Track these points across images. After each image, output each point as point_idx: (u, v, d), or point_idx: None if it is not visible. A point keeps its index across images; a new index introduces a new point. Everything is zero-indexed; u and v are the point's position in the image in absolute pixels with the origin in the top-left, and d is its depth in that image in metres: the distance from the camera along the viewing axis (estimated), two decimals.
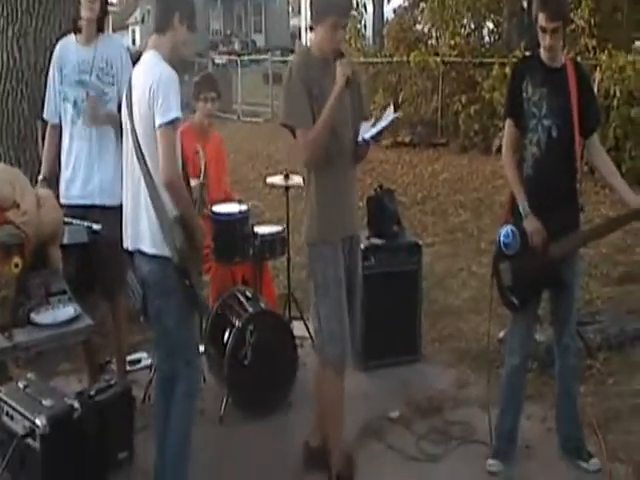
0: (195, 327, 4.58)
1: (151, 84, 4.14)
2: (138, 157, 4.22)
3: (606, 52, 13.94)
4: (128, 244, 4.40)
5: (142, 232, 4.29)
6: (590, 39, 15.09)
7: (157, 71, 4.20)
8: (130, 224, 4.38)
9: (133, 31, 66.11)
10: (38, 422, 3.82)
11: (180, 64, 4.52)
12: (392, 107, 5.02)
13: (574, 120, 4.62)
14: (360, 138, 4.65)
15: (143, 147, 4.20)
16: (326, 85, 4.47)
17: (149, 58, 4.32)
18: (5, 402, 4.03)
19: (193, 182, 5.37)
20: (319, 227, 4.62)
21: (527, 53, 6.53)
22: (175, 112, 4.12)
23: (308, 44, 4.88)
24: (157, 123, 4.11)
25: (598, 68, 13.56)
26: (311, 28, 4.66)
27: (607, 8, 17.38)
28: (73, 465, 4.07)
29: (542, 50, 4.69)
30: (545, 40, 4.60)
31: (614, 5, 18.08)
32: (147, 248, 4.28)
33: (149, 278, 4.34)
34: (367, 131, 4.65)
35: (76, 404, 4.04)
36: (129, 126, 4.28)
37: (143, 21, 63.70)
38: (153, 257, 4.26)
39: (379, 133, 4.67)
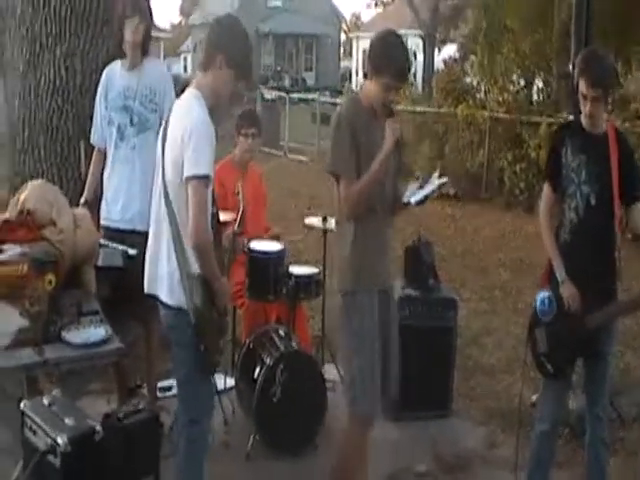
0: (208, 386, 4.43)
1: (184, 131, 4.02)
2: (166, 201, 4.11)
3: None
4: (145, 286, 4.32)
5: (159, 277, 4.20)
6: None
7: (192, 117, 4.07)
8: (150, 264, 4.30)
9: (185, 58, 67.00)
10: (59, 440, 3.81)
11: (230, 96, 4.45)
12: (439, 171, 5.05)
13: (614, 188, 4.59)
14: (406, 200, 4.69)
15: (170, 192, 4.10)
16: (372, 135, 4.51)
17: (188, 97, 4.22)
18: (29, 417, 4.02)
19: (228, 222, 5.41)
20: (356, 276, 4.61)
21: (570, 117, 6.51)
22: (205, 168, 3.98)
23: (357, 87, 4.90)
24: (185, 174, 3.98)
25: None
26: (365, 75, 4.69)
27: None
28: None
29: (582, 117, 4.67)
30: (585, 107, 4.57)
31: None
32: (164, 297, 4.19)
33: (164, 322, 4.30)
34: (414, 194, 4.69)
35: (98, 427, 4.02)
36: (161, 164, 4.20)
37: (195, 49, 64.62)
38: (169, 307, 4.17)
39: (425, 198, 4.70)
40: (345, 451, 4.80)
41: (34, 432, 3.96)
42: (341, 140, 4.52)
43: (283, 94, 29.84)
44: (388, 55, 4.51)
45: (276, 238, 6.73)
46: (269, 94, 28.37)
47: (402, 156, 4.88)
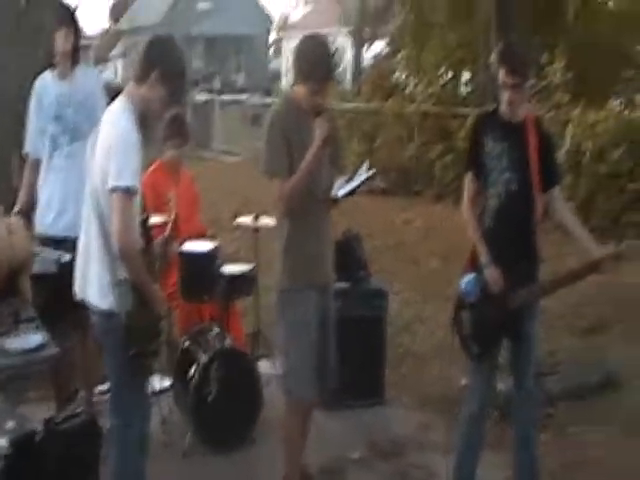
0: (139, 391, 4.45)
1: (110, 141, 4.08)
2: (94, 206, 4.16)
3: (579, 108, 14.16)
4: (76, 291, 4.36)
5: (90, 282, 4.24)
6: (563, 95, 15.32)
7: (119, 128, 4.11)
8: (80, 270, 4.33)
9: (115, 64, 66.53)
10: (1, 442, 3.89)
11: None
12: (367, 165, 5.19)
13: (533, 174, 4.76)
14: (333, 195, 4.85)
15: (98, 199, 4.13)
16: (304, 134, 4.64)
17: (118, 107, 4.25)
18: None
19: (161, 224, 5.48)
20: (291, 274, 4.78)
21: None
22: (128, 179, 4.00)
23: (287, 87, 5.05)
24: (110, 184, 4.01)
25: (570, 124, 13.79)
26: (294, 82, 4.84)
27: (581, 65, 17.72)
28: None
29: (503, 105, 4.82)
30: (505, 95, 4.72)
31: (588, 61, 18.44)
32: (95, 301, 4.22)
33: (96, 328, 4.36)
34: (341, 187, 4.86)
35: (39, 428, 4.11)
36: (90, 170, 4.24)
37: (125, 55, 64.19)
38: (100, 310, 4.20)
39: (352, 191, 4.87)
40: (286, 437, 5.01)
41: None
42: (274, 141, 4.68)
43: (214, 96, 29.86)
44: (312, 60, 4.68)
45: (208, 238, 6.83)
46: (200, 96, 28.35)
47: (337, 152, 4.98)
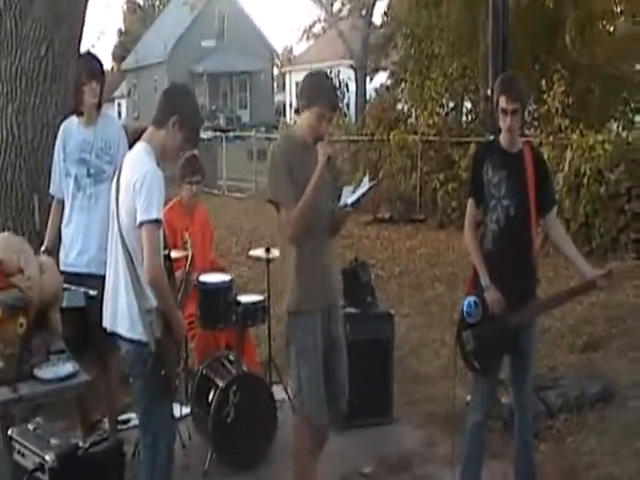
0: (167, 413, 4.80)
1: (136, 181, 4.40)
2: (122, 244, 4.49)
3: (577, 132, 14.45)
4: (107, 324, 4.67)
5: (120, 315, 4.55)
6: (563, 119, 15.62)
7: (144, 169, 4.45)
8: (109, 304, 4.65)
9: (119, 104, 67.03)
10: (47, 457, 4.21)
11: None
12: (367, 177, 5.55)
13: (531, 200, 5.14)
14: (342, 203, 5.10)
15: (125, 236, 4.47)
16: (307, 164, 4.91)
17: (139, 151, 4.61)
18: (17, 441, 4.43)
19: (178, 259, 5.83)
20: (298, 297, 5.01)
21: (491, 137, 7.06)
22: (156, 213, 4.37)
23: (292, 121, 5.40)
24: (139, 220, 4.36)
25: (570, 147, 14.10)
26: (297, 110, 5.19)
27: (580, 89, 18.07)
28: None
29: (502, 133, 5.20)
30: (505, 122, 5.09)
31: (586, 86, 18.78)
32: (125, 332, 4.53)
33: (126, 359, 4.65)
34: (348, 197, 5.11)
35: (80, 443, 4.46)
36: (115, 211, 4.58)
37: (129, 94, 64.70)
38: (131, 341, 4.52)
39: (359, 199, 5.12)
40: (295, 455, 5.28)
41: (22, 455, 4.38)
42: (278, 171, 4.96)
43: (219, 133, 30.17)
44: (318, 87, 5.04)
45: (222, 271, 7.22)
46: (205, 134, 28.64)
47: (336, 179, 5.29)
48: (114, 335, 4.66)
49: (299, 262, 5.01)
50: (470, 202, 5.40)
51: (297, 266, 5.01)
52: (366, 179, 5.31)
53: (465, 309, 5.27)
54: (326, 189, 5.05)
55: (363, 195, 5.15)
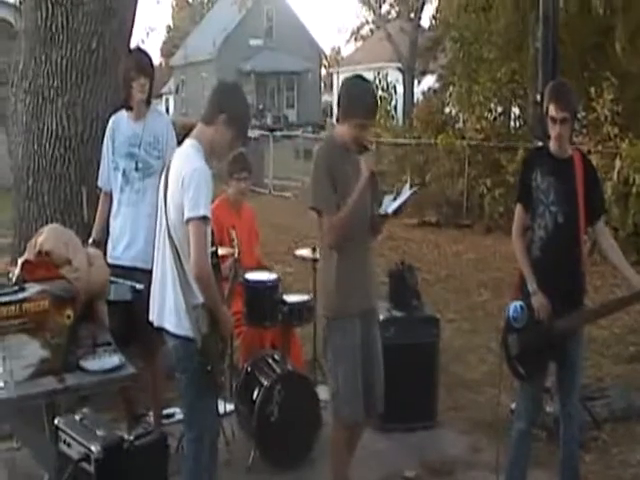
0: (212, 409, 4.83)
1: (184, 177, 4.43)
2: (170, 239, 4.53)
3: (627, 141, 14.32)
4: (154, 318, 4.73)
5: (167, 310, 4.60)
6: (612, 127, 15.49)
7: (192, 165, 4.48)
8: (157, 299, 4.70)
9: (167, 100, 67.49)
10: (93, 448, 4.25)
11: None
12: (408, 184, 5.56)
13: (580, 207, 5.11)
14: (382, 211, 5.15)
15: (173, 232, 4.51)
16: (348, 170, 4.98)
17: (188, 147, 4.65)
18: (63, 431, 4.47)
19: (225, 255, 5.85)
20: (337, 301, 5.08)
21: (539, 144, 7.03)
22: (204, 209, 4.40)
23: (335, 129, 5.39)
24: (186, 216, 4.39)
25: (619, 156, 13.97)
26: (337, 120, 5.21)
27: (630, 97, 17.88)
28: None
29: (551, 140, 5.17)
30: (555, 130, 5.08)
31: (637, 94, 18.58)
32: (172, 327, 4.58)
33: (173, 354, 4.70)
34: (389, 205, 5.15)
35: (125, 435, 4.50)
36: (163, 207, 4.62)
37: (177, 91, 65.10)
38: (177, 336, 4.57)
39: (400, 207, 5.16)
40: (333, 454, 5.33)
41: (68, 444, 4.43)
42: (320, 178, 5.01)
43: (266, 132, 30.26)
44: (355, 97, 5.03)
45: (266, 270, 7.25)
46: (252, 133, 28.73)
47: (377, 187, 5.27)
48: (161, 330, 4.69)
49: (339, 267, 5.06)
50: (518, 207, 5.39)
51: (337, 272, 5.06)
52: (407, 187, 5.35)
53: (511, 314, 5.25)
54: (367, 198, 5.11)
55: (404, 203, 5.20)
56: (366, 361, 5.16)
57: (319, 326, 6.76)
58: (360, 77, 5.33)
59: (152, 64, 6.26)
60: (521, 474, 5.40)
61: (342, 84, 5.23)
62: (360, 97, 5.03)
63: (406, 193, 5.21)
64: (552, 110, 5.06)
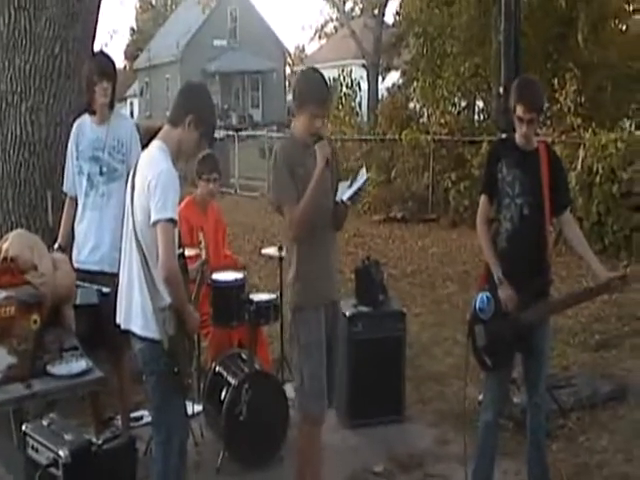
0: (180, 411, 4.81)
1: (151, 179, 4.41)
2: (137, 242, 4.51)
3: (590, 131, 14.46)
4: (120, 321, 4.69)
5: (134, 313, 4.57)
6: (575, 118, 15.62)
7: (158, 167, 4.46)
8: (124, 302, 4.66)
9: (131, 103, 67.14)
10: (61, 453, 4.23)
11: None
12: (365, 169, 5.58)
13: (545, 199, 5.13)
14: (338, 199, 5.15)
15: (140, 235, 4.48)
16: (308, 165, 5.00)
17: (155, 149, 4.62)
18: (31, 437, 4.46)
19: (192, 257, 5.84)
20: (302, 293, 5.10)
21: (503, 135, 7.07)
22: (171, 212, 4.39)
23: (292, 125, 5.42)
24: (153, 218, 4.37)
25: (582, 146, 14.09)
26: (293, 115, 5.25)
27: (592, 88, 18.06)
28: None
29: (517, 136, 5.19)
30: (521, 129, 5.09)
31: (599, 85, 18.78)
32: (138, 329, 4.55)
33: (139, 357, 4.67)
34: (344, 192, 5.15)
35: (94, 439, 4.49)
36: (130, 210, 4.59)
37: (142, 93, 64.81)
38: (144, 338, 4.54)
39: (355, 193, 5.17)
40: (300, 449, 5.34)
41: (36, 450, 4.42)
42: (279, 173, 5.05)
43: (231, 132, 30.25)
44: (308, 87, 5.09)
45: (242, 268, 7.27)
46: (217, 133, 28.71)
47: (336, 176, 5.30)
48: (127, 333, 4.68)
49: (300, 259, 5.10)
50: (483, 198, 5.39)
51: (298, 263, 5.10)
52: (363, 171, 5.34)
53: (478, 304, 5.27)
54: (327, 188, 5.13)
55: (360, 189, 5.21)
56: (329, 354, 5.19)
57: (286, 324, 6.85)
58: (312, 69, 5.38)
59: (115, 67, 6.27)
60: (489, 465, 5.43)
61: (295, 78, 5.33)
62: (312, 86, 5.08)
63: (361, 179, 5.20)
64: (519, 110, 5.06)
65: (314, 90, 5.06)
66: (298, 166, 5.02)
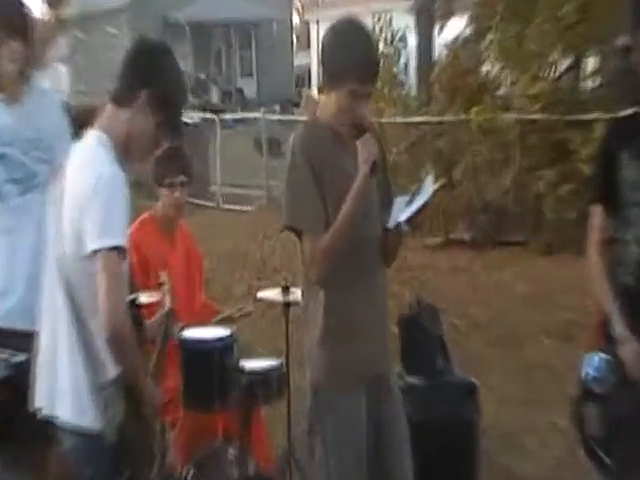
0: None
1: (86, 188, 4.34)
2: (65, 284, 4.44)
3: None
4: (41, 404, 4.61)
5: (61, 391, 4.50)
6: None
7: (97, 170, 4.37)
8: (45, 375, 4.61)
9: (56, 71, 67.40)
10: None
11: None
12: (432, 177, 5.49)
13: None
14: (392, 223, 5.06)
15: (70, 272, 4.42)
16: (340, 167, 4.96)
17: (91, 143, 4.56)
18: None
19: (152, 305, 5.87)
20: (329, 365, 5.08)
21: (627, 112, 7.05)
22: (117, 236, 4.30)
23: (320, 96, 5.40)
24: (89, 247, 4.27)
25: None
26: (320, 90, 5.20)
27: None
28: None
29: None
30: None
31: None
32: (67, 416, 4.48)
33: (71, 457, 4.63)
34: (402, 211, 5.04)
35: None
36: (55, 235, 4.53)
37: (72, 58, 65.03)
38: (76, 431, 4.47)
39: (418, 212, 5.06)
40: None
41: None
42: (298, 183, 4.97)
43: (210, 115, 30.23)
44: (345, 50, 4.96)
45: (228, 320, 7.21)
46: (189, 117, 28.61)
47: (386, 183, 5.30)
48: (52, 422, 4.63)
49: (329, 312, 5.04)
50: (595, 211, 5.36)
51: (326, 317, 5.05)
52: (429, 180, 5.30)
53: (590, 372, 5.26)
54: (372, 204, 5.09)
55: (424, 205, 5.11)
56: (381, 453, 5.17)
57: (296, 403, 6.86)
58: (352, 21, 5.23)
59: (27, 18, 6.25)
60: None
61: (326, 35, 5.16)
62: (352, 50, 4.95)
63: (427, 191, 5.12)
64: None
65: (356, 56, 4.94)
66: (325, 169, 4.96)
